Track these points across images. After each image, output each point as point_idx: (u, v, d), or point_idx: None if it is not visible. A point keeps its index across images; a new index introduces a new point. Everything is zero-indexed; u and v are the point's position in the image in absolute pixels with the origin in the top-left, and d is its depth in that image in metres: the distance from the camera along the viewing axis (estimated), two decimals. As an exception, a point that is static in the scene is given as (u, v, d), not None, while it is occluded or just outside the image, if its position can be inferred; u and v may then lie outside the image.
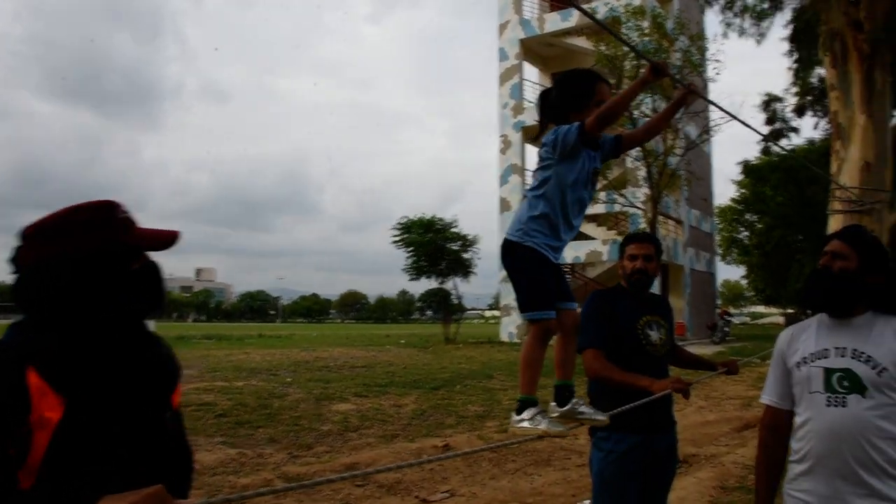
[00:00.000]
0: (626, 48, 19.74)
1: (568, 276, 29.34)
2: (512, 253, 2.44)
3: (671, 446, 3.44)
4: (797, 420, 2.45)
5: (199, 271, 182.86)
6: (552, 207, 2.41)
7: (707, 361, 3.81)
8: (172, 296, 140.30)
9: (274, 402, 10.57)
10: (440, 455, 5.20)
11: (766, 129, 26.44)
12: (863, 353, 2.29)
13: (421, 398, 11.57)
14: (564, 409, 2.48)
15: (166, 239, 1.55)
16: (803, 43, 15.43)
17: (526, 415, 2.37)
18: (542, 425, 2.33)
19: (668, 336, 3.49)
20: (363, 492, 6.50)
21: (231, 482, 6.66)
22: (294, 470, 7.15)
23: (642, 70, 19.29)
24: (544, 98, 2.67)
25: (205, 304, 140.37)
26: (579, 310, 2.71)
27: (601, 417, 2.52)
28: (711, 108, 21.27)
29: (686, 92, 2.63)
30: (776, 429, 2.55)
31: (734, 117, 3.77)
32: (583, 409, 2.51)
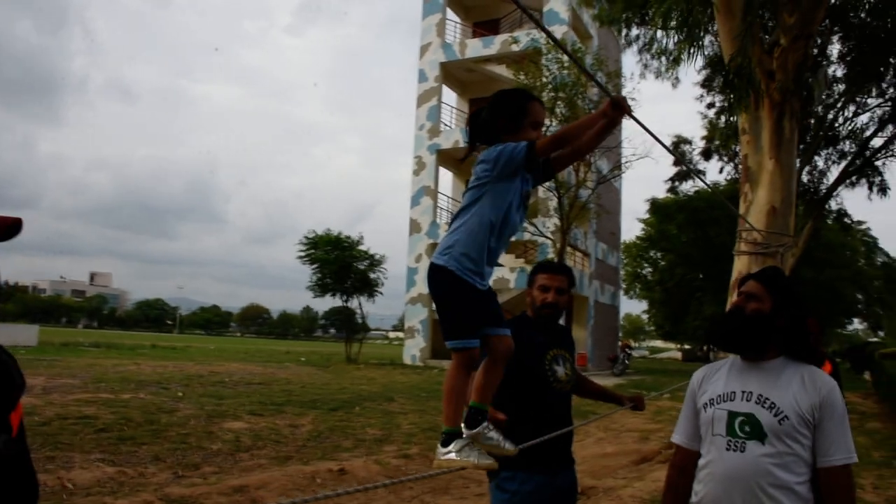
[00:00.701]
0: (544, 79, 20.08)
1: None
2: (438, 278, 2.28)
3: (573, 484, 3.35)
4: (700, 462, 2.42)
5: (93, 276, 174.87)
6: (484, 229, 2.25)
7: (613, 394, 3.70)
8: (63, 300, 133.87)
9: (162, 418, 9.97)
10: (338, 490, 4.88)
11: (674, 171, 27.39)
12: (767, 398, 2.27)
13: (318, 419, 11.18)
14: (474, 431, 2.32)
15: (4, 227, 1.27)
16: (716, 88, 16.05)
17: (453, 447, 2.24)
18: (472, 458, 2.22)
19: (573, 370, 3.38)
20: (250, 518, 6.12)
21: (107, 503, 6.15)
22: (177, 491, 6.68)
23: (559, 103, 19.70)
24: (475, 118, 2.51)
25: (98, 311, 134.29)
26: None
27: (509, 447, 2.36)
28: (624, 144, 21.87)
29: (617, 114, 2.45)
30: (684, 470, 2.50)
31: (665, 146, 3.66)
32: (492, 434, 2.36)
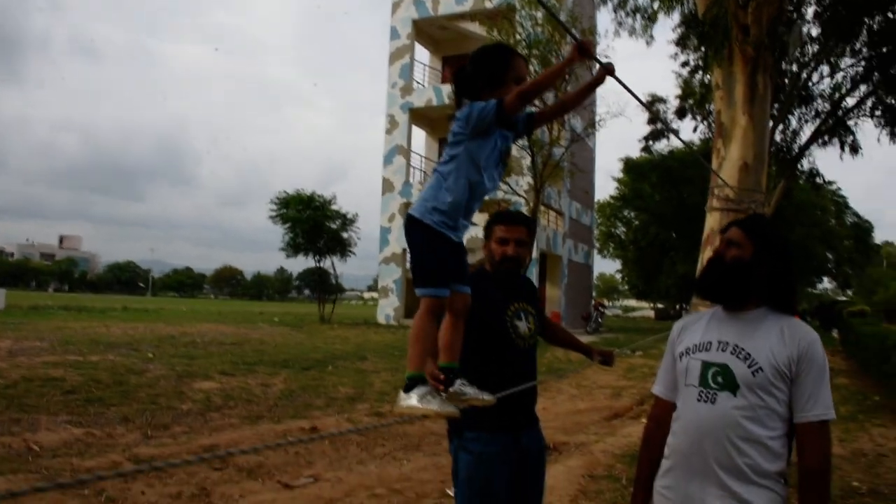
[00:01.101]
0: (518, 36, 19.84)
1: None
2: (414, 230, 2.30)
3: (539, 443, 3.24)
4: (674, 414, 2.36)
5: (62, 238, 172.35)
6: (460, 185, 2.26)
7: (583, 345, 3.55)
8: (31, 264, 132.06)
9: (131, 379, 9.87)
10: (303, 437, 4.85)
11: (648, 130, 27.40)
12: (743, 349, 2.20)
13: (290, 378, 11.15)
14: (451, 390, 2.30)
15: None
16: (690, 46, 15.94)
17: (415, 393, 2.17)
18: (433, 405, 2.15)
19: (537, 324, 3.26)
20: (221, 476, 6.07)
21: (74, 465, 6.08)
22: (147, 451, 6.62)
23: (533, 60, 19.48)
24: (459, 74, 2.48)
25: (68, 274, 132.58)
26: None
27: (487, 397, 2.35)
28: (598, 101, 21.75)
29: (604, 73, 2.42)
30: (661, 422, 2.43)
31: (636, 97, 3.54)
32: (467, 389, 2.33)
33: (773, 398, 2.14)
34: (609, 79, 2.34)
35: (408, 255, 2.42)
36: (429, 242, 2.26)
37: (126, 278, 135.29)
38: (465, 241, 2.41)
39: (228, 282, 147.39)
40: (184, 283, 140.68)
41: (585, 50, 2.20)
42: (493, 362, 3.00)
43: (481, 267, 3.29)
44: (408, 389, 2.19)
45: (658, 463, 2.40)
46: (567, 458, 7.50)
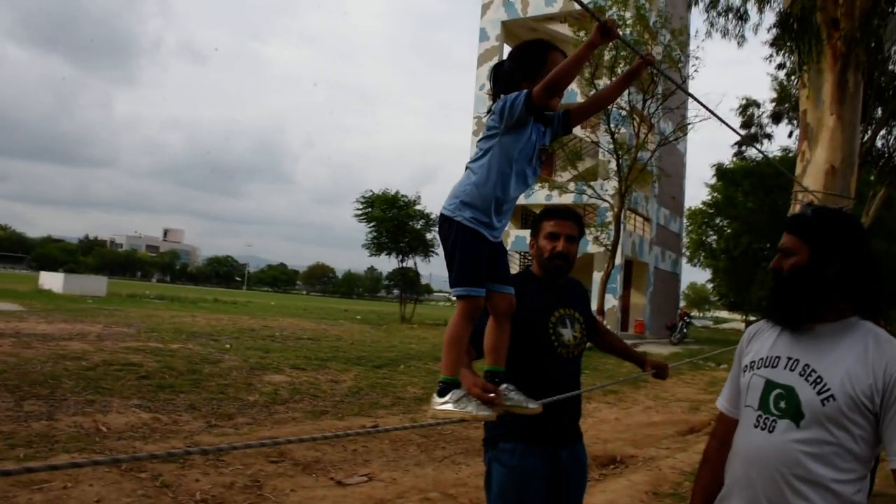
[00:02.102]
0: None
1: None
2: (446, 227, 2.22)
3: (581, 461, 3.04)
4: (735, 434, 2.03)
5: (166, 232, 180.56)
6: (492, 181, 2.18)
7: (637, 355, 3.33)
8: (138, 255, 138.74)
9: (204, 368, 10.11)
10: (349, 431, 4.80)
11: (742, 133, 26.32)
12: (814, 370, 1.81)
13: (360, 375, 11.19)
14: (496, 394, 2.20)
15: None
16: (785, 46, 15.22)
17: (450, 397, 2.11)
18: (470, 408, 2.08)
19: (583, 332, 3.05)
20: (276, 468, 6.12)
21: (136, 448, 6.23)
22: (207, 440, 6.75)
23: (619, 62, 19.05)
24: (497, 69, 2.40)
25: (170, 266, 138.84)
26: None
27: (533, 405, 2.24)
28: (690, 104, 21.07)
29: (642, 62, 2.34)
30: (724, 440, 2.10)
31: (697, 100, 3.32)
32: (513, 394, 2.25)
33: (846, 434, 1.75)
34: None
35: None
36: (461, 240, 2.16)
37: (224, 272, 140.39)
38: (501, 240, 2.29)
39: (320, 279, 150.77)
40: (278, 278, 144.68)
41: (608, 31, 2.05)
42: (533, 371, 2.81)
43: (526, 268, 3.14)
44: (442, 394, 2.14)
45: (717, 486, 2.08)
46: (632, 473, 7.22)
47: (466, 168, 2.28)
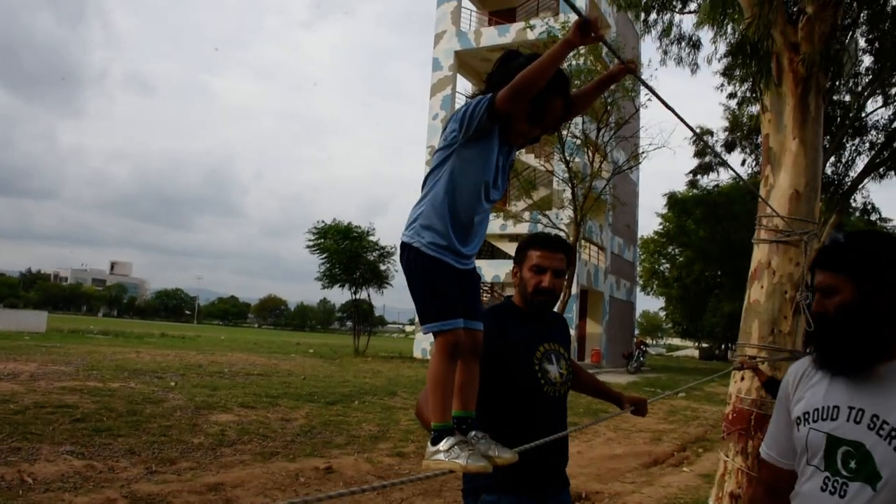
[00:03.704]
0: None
1: (486, 294, 28.91)
2: (406, 256, 1.93)
3: None
4: (795, 488, 1.76)
5: (113, 265, 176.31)
6: (450, 198, 1.90)
7: (613, 392, 3.05)
8: (83, 288, 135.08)
9: (146, 408, 9.53)
10: (318, 496, 4.39)
11: (694, 164, 26.71)
12: (886, 422, 1.55)
13: (313, 413, 10.71)
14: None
15: None
16: (737, 77, 15.39)
17: (443, 445, 1.85)
18: (461, 459, 1.81)
19: (569, 368, 2.76)
20: (221, 517, 5.65)
21: (64, 500, 5.71)
22: (145, 489, 6.23)
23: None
24: (488, 80, 2.05)
25: (117, 300, 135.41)
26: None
27: (507, 455, 1.94)
28: (641, 134, 21.23)
29: (623, 67, 2.06)
30: (775, 490, 1.86)
31: (671, 109, 3.05)
32: (482, 445, 1.95)
33: None
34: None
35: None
36: (425, 270, 1.89)
37: (173, 305, 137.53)
38: (473, 269, 2.00)
39: (272, 312, 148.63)
40: (228, 311, 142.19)
41: (588, 28, 1.71)
42: (516, 412, 2.54)
43: (507, 299, 2.82)
44: (435, 442, 1.88)
45: None
46: (599, 510, 6.93)
47: (423, 184, 1.98)
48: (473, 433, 1.99)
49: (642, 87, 19.88)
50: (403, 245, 1.95)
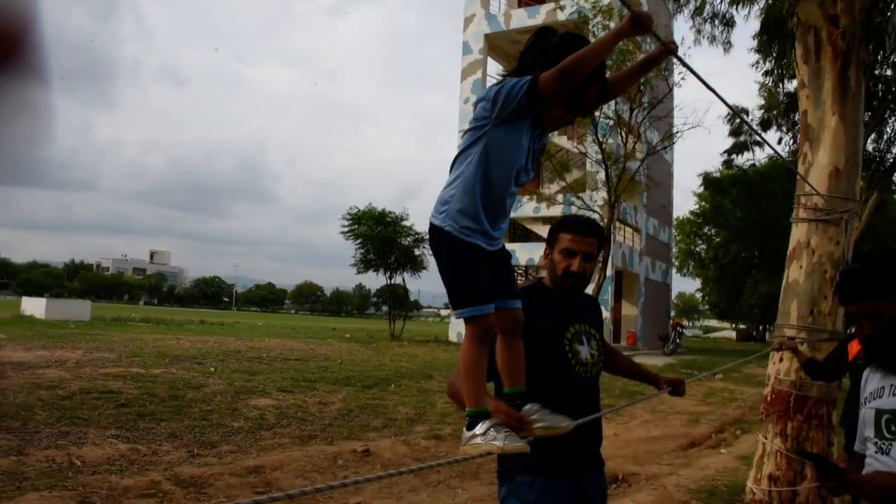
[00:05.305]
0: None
1: (521, 277, 28.87)
2: (436, 239, 1.93)
3: (604, 493, 2.75)
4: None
5: (152, 254, 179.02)
6: (480, 180, 1.89)
7: (650, 374, 3.02)
8: (124, 278, 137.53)
9: (187, 394, 9.71)
10: (356, 479, 4.45)
11: (729, 143, 26.28)
12: None
13: (350, 396, 10.83)
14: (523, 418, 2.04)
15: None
16: (771, 50, 15.11)
17: (479, 429, 1.90)
18: (498, 441, 1.86)
19: (600, 349, 2.74)
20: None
21: (111, 483, 5.86)
22: (188, 471, 6.37)
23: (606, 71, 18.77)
24: (521, 58, 2.05)
25: (157, 288, 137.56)
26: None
27: (566, 423, 2.06)
28: (675, 114, 20.93)
29: (664, 49, 2.05)
30: None
31: (710, 88, 2.99)
32: (539, 414, 2.06)
33: None
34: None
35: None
36: (456, 254, 1.89)
37: (211, 293, 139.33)
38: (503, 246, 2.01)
39: (308, 297, 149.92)
40: (266, 298, 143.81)
41: (641, 23, 1.77)
42: (548, 393, 2.47)
43: (539, 280, 2.81)
44: (470, 427, 1.94)
45: None
46: (636, 492, 6.92)
47: (453, 162, 1.98)
48: (529, 405, 2.06)
49: (675, 67, 19.62)
50: (433, 227, 1.94)
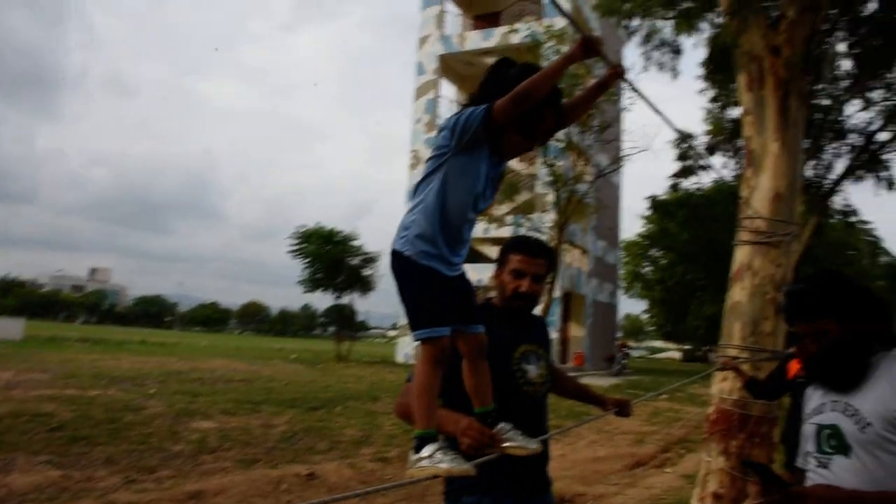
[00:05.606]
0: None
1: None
2: (397, 265, 2.00)
3: None
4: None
5: (92, 271, 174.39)
6: (440, 207, 1.96)
7: (596, 395, 3.04)
8: (61, 295, 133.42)
9: (126, 416, 9.41)
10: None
11: (676, 167, 26.79)
12: (851, 405, 1.99)
13: (295, 419, 10.62)
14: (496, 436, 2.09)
15: None
16: (717, 78, 15.52)
17: (425, 452, 1.91)
18: (444, 463, 1.87)
19: (548, 369, 2.76)
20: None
21: (40, 511, 5.60)
22: (124, 498, 6.14)
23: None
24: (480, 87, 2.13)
25: (96, 306, 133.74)
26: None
27: (533, 445, 2.11)
28: (623, 138, 21.30)
29: (613, 72, 2.13)
30: None
31: (658, 112, 3.03)
32: (511, 433, 2.10)
33: (892, 456, 1.89)
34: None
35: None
36: (415, 279, 1.95)
37: (153, 312, 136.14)
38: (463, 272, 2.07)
39: (254, 317, 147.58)
40: (210, 317, 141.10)
41: (591, 47, 1.85)
42: (497, 412, 2.52)
43: (486, 300, 2.81)
44: (418, 449, 1.94)
45: None
46: (583, 513, 6.90)
47: (414, 189, 2.02)
48: (502, 424, 2.10)
49: (624, 91, 19.99)
50: (394, 252, 1.99)
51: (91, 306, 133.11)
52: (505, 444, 2.06)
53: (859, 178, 16.18)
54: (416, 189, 2.02)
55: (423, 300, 1.95)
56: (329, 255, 26.05)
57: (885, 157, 15.91)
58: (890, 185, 15.93)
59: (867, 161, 15.71)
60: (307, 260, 26.32)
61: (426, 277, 1.94)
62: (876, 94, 14.97)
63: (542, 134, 2.08)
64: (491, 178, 2.03)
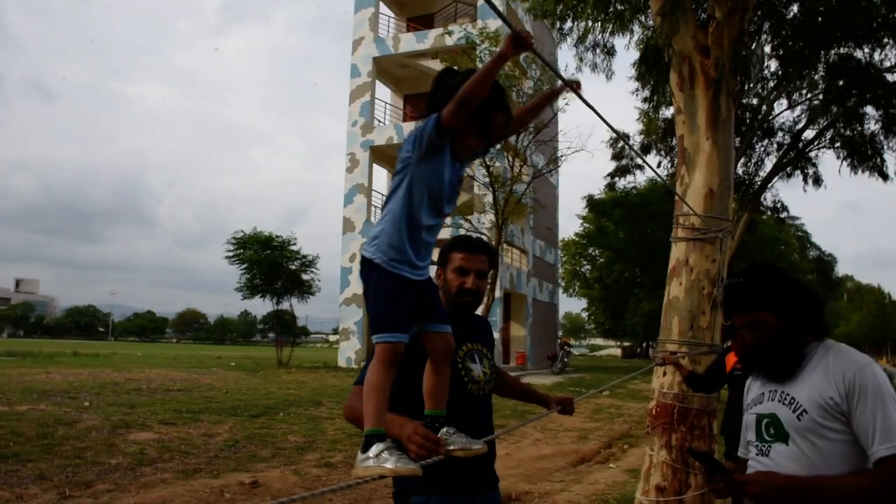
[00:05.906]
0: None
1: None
2: (366, 271, 2.08)
3: None
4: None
5: (18, 282, 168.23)
6: (406, 214, 2.04)
7: (539, 394, 3.12)
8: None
9: (58, 431, 9.08)
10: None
11: (612, 167, 27.31)
12: (788, 394, 2.08)
13: (237, 427, 10.43)
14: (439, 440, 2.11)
15: None
16: (650, 79, 15.84)
17: (372, 451, 1.92)
18: (390, 463, 1.87)
19: (492, 368, 2.80)
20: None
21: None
22: (59, 515, 5.92)
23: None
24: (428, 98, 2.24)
25: (24, 318, 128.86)
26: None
27: (477, 446, 2.15)
28: (560, 138, 21.58)
29: (563, 86, 2.32)
30: None
31: (604, 120, 3.06)
32: (455, 437, 2.13)
33: (828, 441, 1.98)
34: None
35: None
36: (381, 283, 2.02)
37: (86, 323, 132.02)
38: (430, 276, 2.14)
39: (191, 325, 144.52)
40: (145, 327, 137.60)
41: (521, 42, 1.86)
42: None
43: None
44: (365, 448, 1.94)
45: None
46: (529, 511, 6.96)
47: (384, 204, 2.13)
48: (445, 429, 2.13)
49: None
50: (364, 259, 2.07)
51: (18, 319, 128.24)
52: (450, 448, 2.09)
53: (788, 175, 16.77)
54: (386, 201, 2.10)
55: (389, 306, 2.00)
56: (267, 261, 25.61)
57: (811, 154, 16.54)
58: (817, 181, 16.56)
59: (795, 158, 16.29)
60: (245, 266, 25.83)
61: (394, 283, 2.01)
62: (800, 95, 15.55)
63: (496, 134, 2.15)
64: (453, 183, 2.11)
